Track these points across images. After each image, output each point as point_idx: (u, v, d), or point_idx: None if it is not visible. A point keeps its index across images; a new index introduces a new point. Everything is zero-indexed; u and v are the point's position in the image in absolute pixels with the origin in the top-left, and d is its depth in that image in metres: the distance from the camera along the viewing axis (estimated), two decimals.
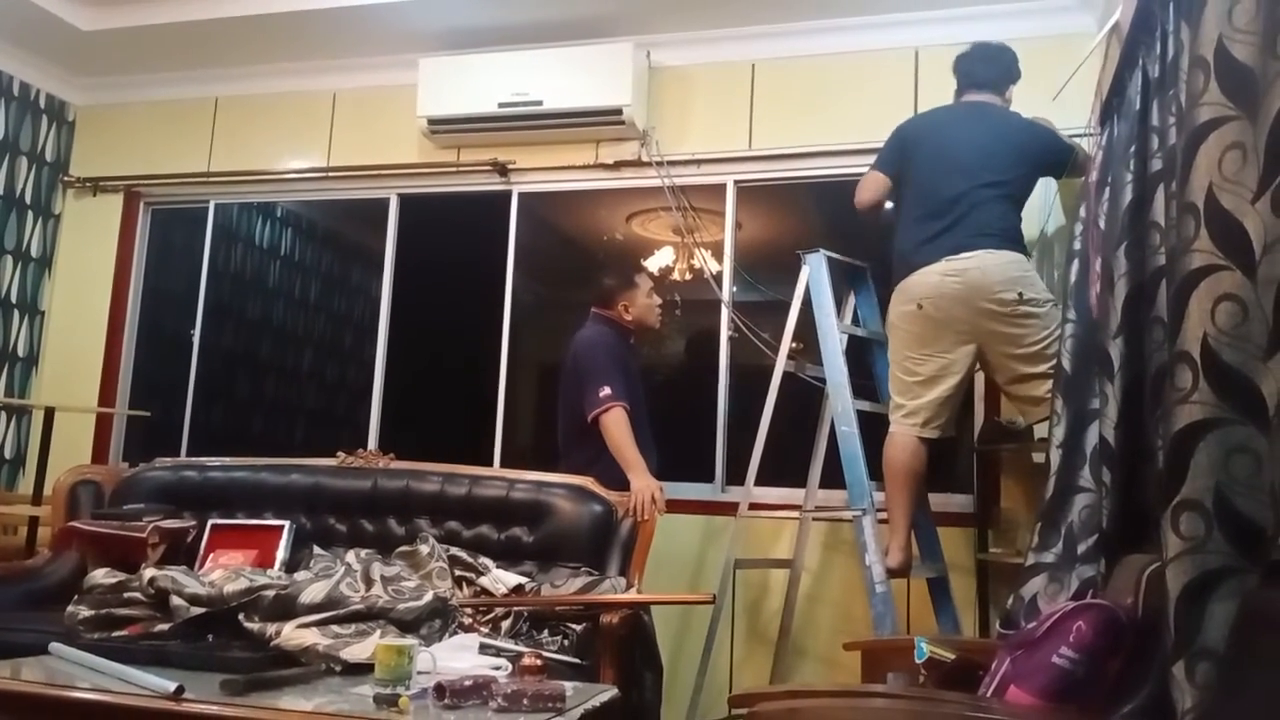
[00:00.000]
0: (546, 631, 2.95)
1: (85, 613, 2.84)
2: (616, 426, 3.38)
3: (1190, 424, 1.43)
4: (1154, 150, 2.12)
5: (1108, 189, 2.46)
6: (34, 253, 5.00)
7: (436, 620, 2.80)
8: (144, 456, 4.05)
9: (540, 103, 4.20)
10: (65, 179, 5.10)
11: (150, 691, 2.13)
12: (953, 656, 2.18)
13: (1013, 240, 3.19)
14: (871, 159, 3.93)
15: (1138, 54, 2.35)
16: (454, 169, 4.55)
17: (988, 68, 3.41)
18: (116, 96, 5.10)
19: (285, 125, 4.84)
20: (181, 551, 3.33)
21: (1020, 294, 3.11)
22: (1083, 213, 2.67)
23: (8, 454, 4.87)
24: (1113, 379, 2.18)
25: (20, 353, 4.94)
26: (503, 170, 4.46)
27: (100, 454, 4.80)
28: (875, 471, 3.29)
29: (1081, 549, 2.28)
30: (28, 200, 4.96)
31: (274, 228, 5.51)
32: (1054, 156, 3.29)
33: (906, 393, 3.24)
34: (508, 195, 4.52)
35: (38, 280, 5.03)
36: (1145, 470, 2.04)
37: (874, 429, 3.37)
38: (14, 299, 4.90)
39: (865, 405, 3.45)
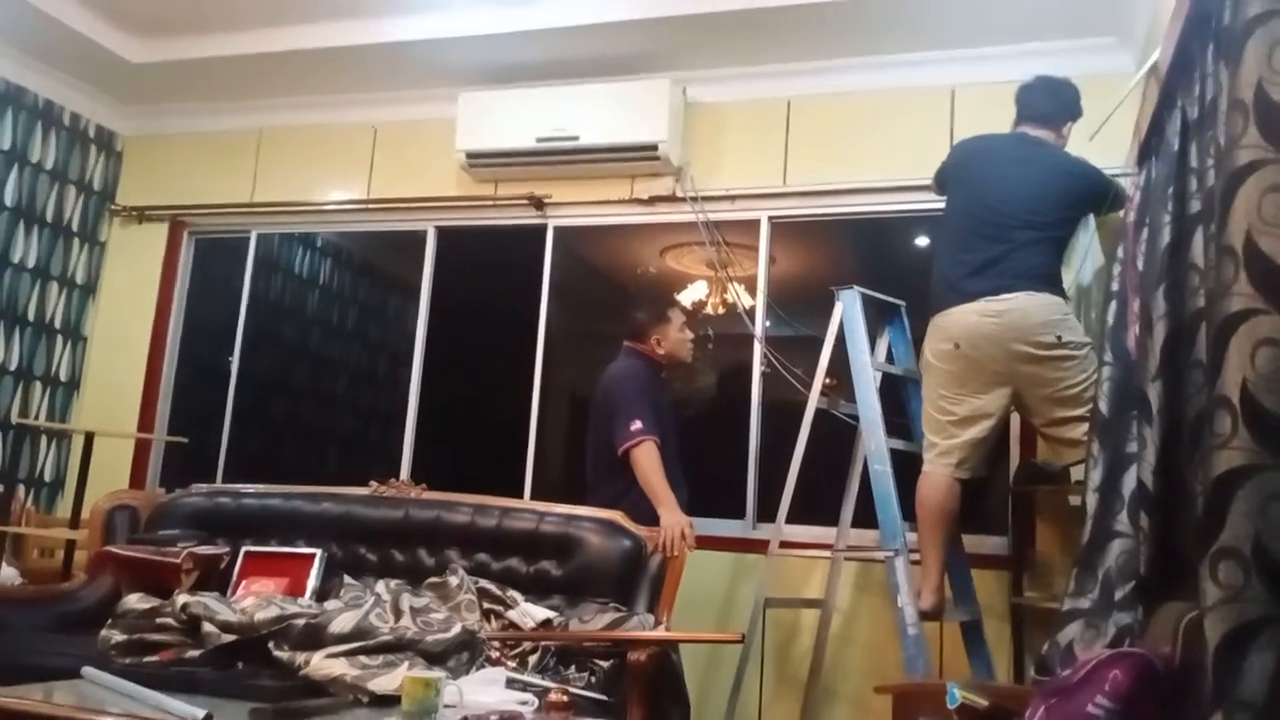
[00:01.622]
0: (574, 667, 2.93)
1: (118, 637, 2.87)
2: (647, 460, 3.38)
3: (1229, 470, 1.40)
4: (1193, 191, 2.09)
5: (1146, 229, 2.44)
6: (79, 279, 5.10)
7: (464, 653, 2.80)
8: (181, 482, 4.09)
9: (577, 138, 4.24)
10: (112, 208, 5.21)
11: (180, 719, 2.14)
12: (986, 703, 2.14)
13: (1052, 283, 3.16)
14: (906, 196, 3.94)
15: (1176, 95, 2.33)
16: (491, 202, 4.59)
17: (1047, 101, 3.37)
18: (163, 127, 5.21)
19: (327, 157, 4.92)
20: (215, 578, 3.35)
21: (1059, 337, 3.08)
22: (1121, 253, 2.64)
23: (48, 477, 4.94)
24: (1151, 422, 2.15)
25: (62, 377, 5.03)
26: (539, 204, 4.50)
27: (138, 479, 4.86)
28: (908, 511, 3.25)
29: (1119, 595, 2.23)
30: (75, 228, 5.07)
31: (313, 258, 5.59)
32: (1097, 195, 3.27)
33: (941, 432, 3.21)
34: (543, 229, 4.55)
35: (82, 306, 5.13)
36: (1184, 516, 2.01)
37: (908, 468, 3.34)
38: (58, 324, 5.00)
39: (899, 444, 3.42)
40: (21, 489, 4.66)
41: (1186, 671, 1.63)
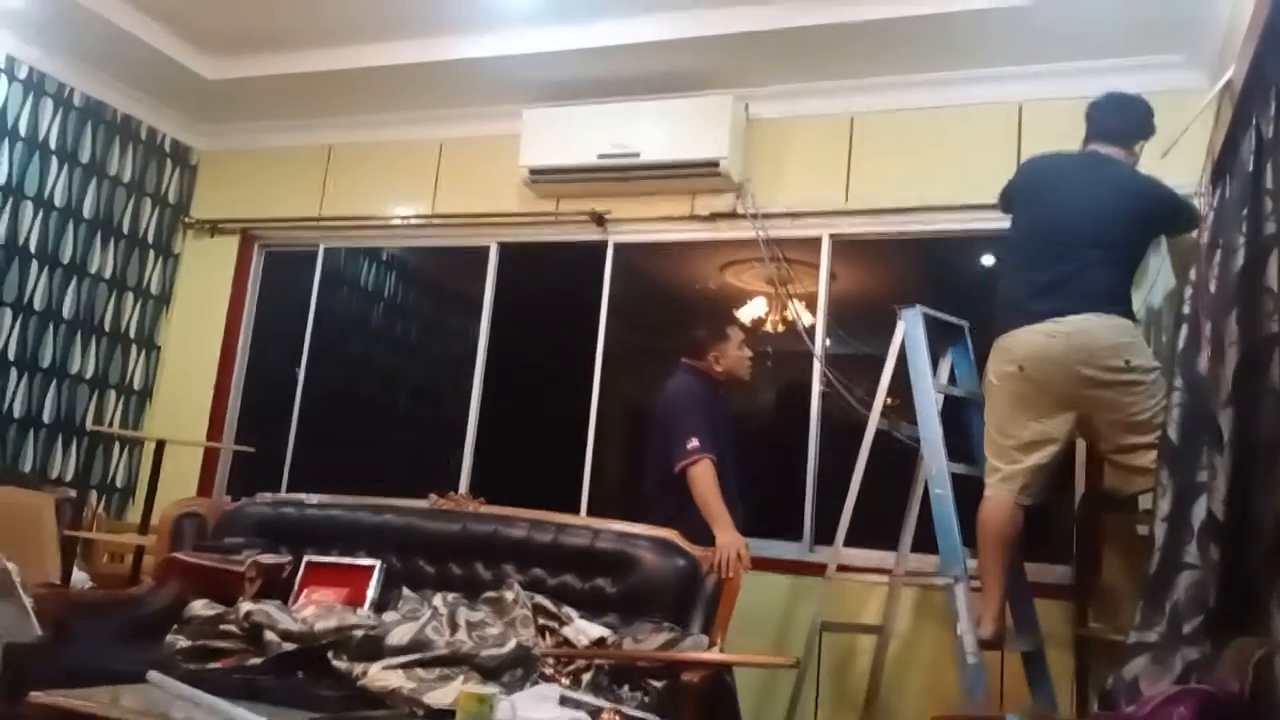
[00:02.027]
0: (627, 686, 2.92)
1: (183, 643, 2.94)
2: (703, 479, 3.37)
3: None
4: (1268, 213, 2.04)
5: (1219, 251, 2.38)
6: (154, 290, 5.25)
7: (519, 669, 2.81)
8: (247, 490, 4.18)
9: (638, 154, 4.26)
10: (186, 220, 5.36)
11: None
12: None
13: (1121, 305, 3.08)
14: (971, 215, 3.89)
15: (1251, 113, 2.28)
16: (553, 218, 4.63)
17: (1118, 119, 3.28)
18: (236, 142, 5.35)
19: (393, 173, 5.01)
20: (277, 586, 3.41)
21: (1127, 361, 3.00)
22: (1193, 275, 2.58)
23: (119, 483, 5.08)
24: (1222, 450, 2.09)
25: (136, 386, 5.18)
26: (600, 220, 4.53)
27: (205, 486, 4.98)
28: (969, 537, 3.19)
29: (1187, 629, 2.17)
30: (150, 240, 5.22)
31: (378, 271, 5.68)
32: (1169, 215, 3.19)
33: (1003, 456, 3.15)
34: (604, 245, 4.58)
35: (156, 316, 5.27)
36: (1256, 548, 1.94)
37: (970, 492, 3.27)
38: (132, 334, 5.15)
39: (960, 468, 3.36)
40: (94, 494, 4.79)
41: (1256, 709, 1.58)
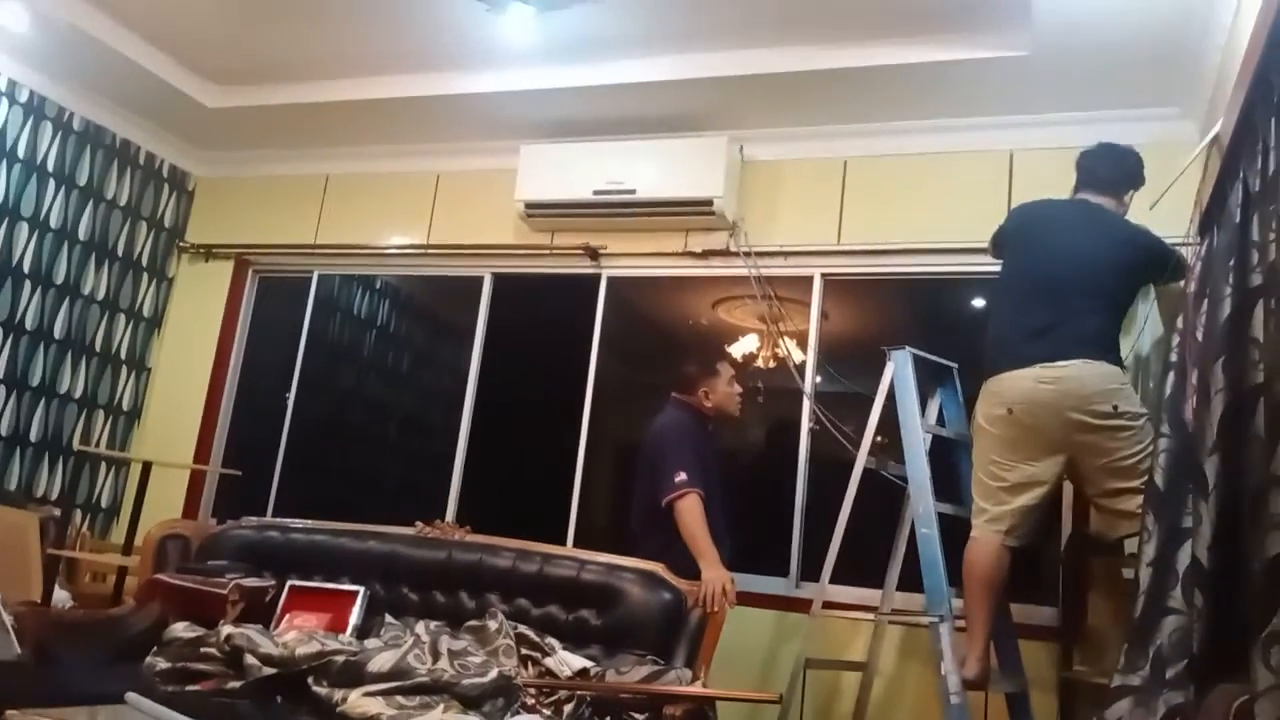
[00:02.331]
0: (609, 718, 2.91)
1: (163, 665, 2.91)
2: (690, 514, 3.37)
3: None
4: (1254, 264, 2.07)
5: (1206, 301, 2.41)
6: (146, 313, 5.25)
7: (500, 698, 2.79)
8: (232, 514, 4.16)
9: (634, 191, 4.30)
10: (181, 244, 5.38)
11: None
12: None
13: (1110, 351, 3.12)
14: (961, 258, 3.93)
15: (1239, 166, 2.32)
16: (547, 251, 4.66)
17: (1109, 169, 3.33)
18: (234, 170, 5.38)
19: (390, 203, 5.04)
20: (259, 610, 3.38)
21: (1115, 406, 3.03)
22: (1180, 323, 2.61)
23: (104, 503, 5.05)
24: (1207, 497, 2.11)
25: (125, 406, 5.16)
26: (594, 255, 4.56)
27: (191, 509, 4.95)
28: (955, 577, 3.19)
29: (1170, 674, 2.17)
30: (144, 263, 5.23)
31: (372, 299, 5.70)
32: (1158, 264, 3.23)
33: (990, 497, 3.16)
34: (597, 279, 4.61)
35: (147, 339, 5.27)
36: (1240, 595, 1.95)
37: (956, 532, 3.28)
38: (123, 355, 5.14)
39: (948, 508, 3.37)
40: (79, 514, 4.77)
41: None
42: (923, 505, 3.26)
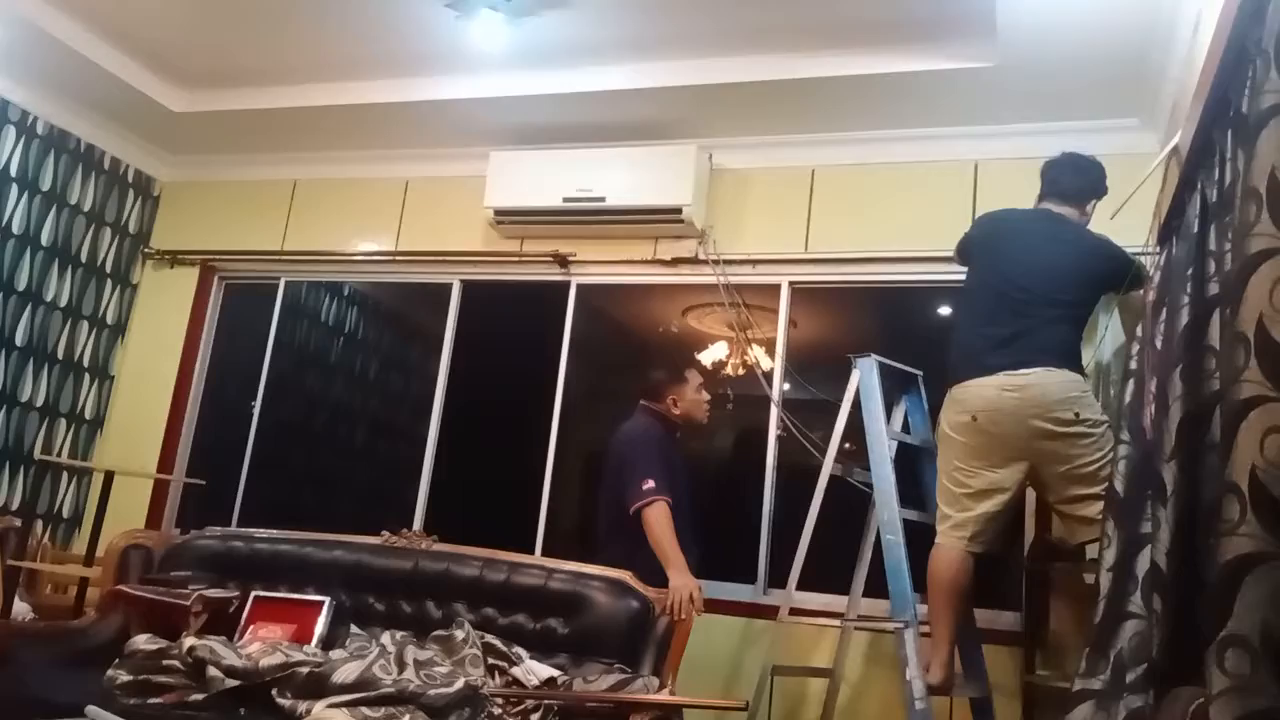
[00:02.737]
0: None
1: (124, 677, 2.87)
2: (658, 521, 3.37)
3: (1237, 557, 1.39)
4: (1210, 274, 2.11)
5: (1164, 310, 2.45)
6: (109, 320, 5.19)
7: (466, 709, 2.78)
8: (196, 523, 4.11)
9: (603, 199, 4.31)
10: (145, 250, 5.32)
11: None
12: None
13: (1072, 360, 3.16)
14: (927, 267, 3.97)
15: (1197, 177, 2.36)
16: (516, 258, 4.66)
17: (1073, 179, 3.38)
18: (200, 174, 5.33)
19: (358, 209, 5.01)
20: (224, 621, 3.35)
21: (1077, 414, 3.07)
22: (1140, 332, 2.65)
23: (66, 513, 4.98)
24: (1166, 504, 2.13)
25: (87, 415, 5.10)
26: (563, 262, 4.56)
27: (155, 518, 4.89)
28: (920, 583, 3.22)
29: (1130, 678, 2.20)
30: (108, 269, 5.17)
31: (339, 306, 5.66)
32: (1120, 274, 3.27)
33: (955, 504, 3.19)
34: (566, 285, 4.61)
35: (111, 346, 5.21)
36: (1198, 600, 1.98)
37: (921, 539, 3.31)
38: (86, 363, 5.08)
39: (912, 514, 3.40)
40: (40, 524, 4.69)
41: None
42: (888, 512, 3.29)
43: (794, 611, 3.56)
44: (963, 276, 3.49)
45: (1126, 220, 3.30)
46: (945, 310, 4.20)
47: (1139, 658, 2.20)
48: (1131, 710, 2.13)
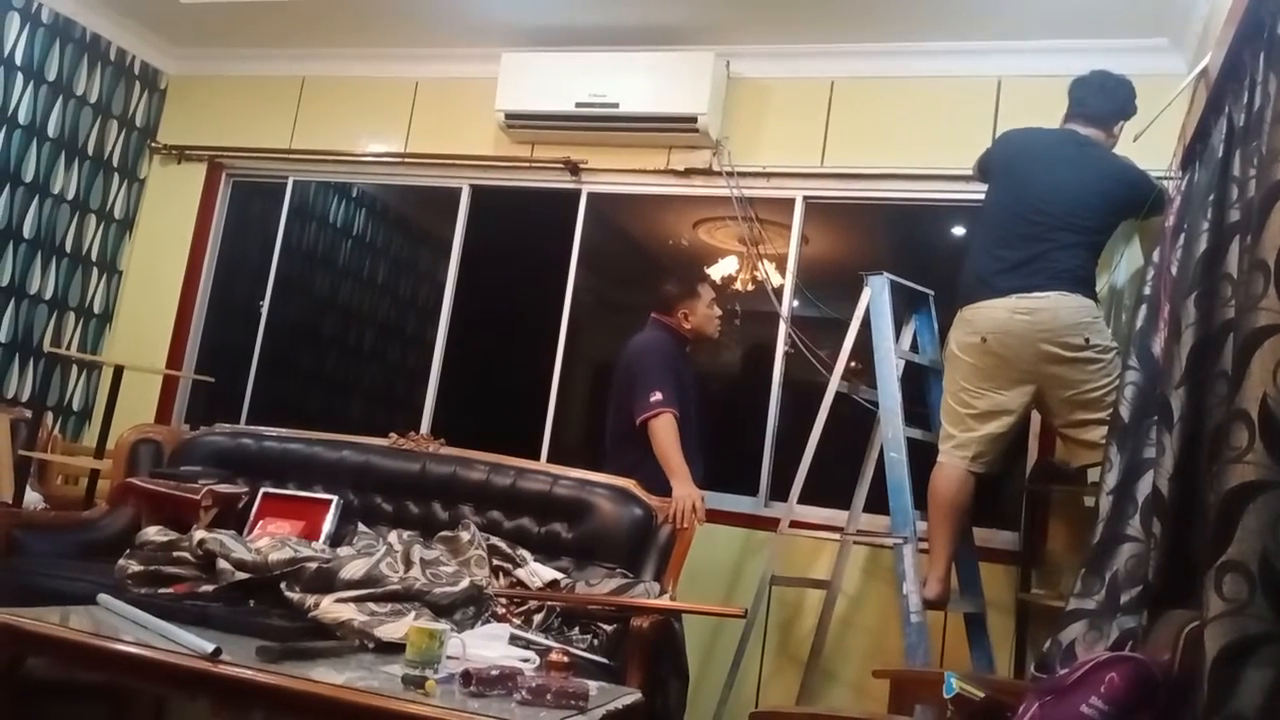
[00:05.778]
0: (577, 629, 2.98)
1: (135, 568, 2.93)
2: (664, 432, 3.39)
3: (1241, 484, 1.40)
4: (1233, 200, 2.07)
5: (1183, 235, 2.42)
6: (117, 214, 5.16)
7: (471, 607, 2.84)
8: (205, 420, 4.15)
9: (617, 105, 4.23)
10: (153, 145, 5.25)
11: (189, 650, 2.19)
12: (981, 695, 2.15)
13: (1085, 286, 3.14)
14: (943, 185, 3.91)
15: (1224, 101, 2.30)
16: (527, 164, 4.60)
17: (1101, 100, 3.31)
18: (208, 68, 5.23)
19: (367, 109, 4.93)
20: (232, 516, 3.41)
21: (1086, 339, 3.06)
22: (1156, 258, 2.62)
23: (76, 406, 5.03)
24: (1171, 429, 2.14)
25: (96, 309, 5.10)
26: (574, 169, 4.50)
27: (164, 414, 4.93)
28: (921, 500, 3.26)
29: (1125, 599, 2.24)
30: (115, 163, 5.11)
31: (348, 208, 5.62)
32: (1143, 199, 3.23)
33: (959, 424, 3.21)
34: (577, 194, 4.55)
35: (119, 241, 5.19)
36: (1197, 525, 2.00)
37: (923, 457, 3.34)
38: (94, 257, 5.06)
39: (916, 433, 3.42)
40: (50, 416, 4.74)
41: (1184, 681, 1.63)
42: (892, 430, 3.31)
43: (794, 524, 3.60)
44: (980, 197, 3.44)
45: (1150, 142, 3.24)
46: (960, 230, 4.15)
47: (1134, 580, 2.23)
48: (1125, 630, 2.17)
